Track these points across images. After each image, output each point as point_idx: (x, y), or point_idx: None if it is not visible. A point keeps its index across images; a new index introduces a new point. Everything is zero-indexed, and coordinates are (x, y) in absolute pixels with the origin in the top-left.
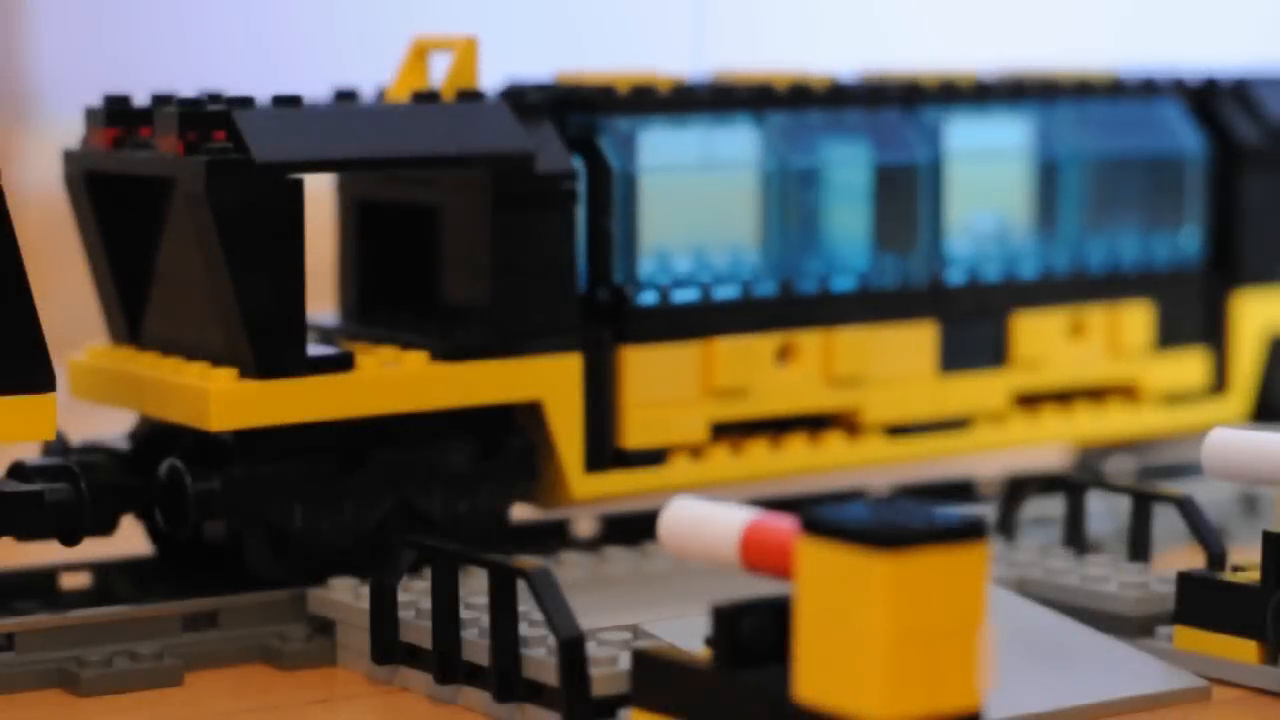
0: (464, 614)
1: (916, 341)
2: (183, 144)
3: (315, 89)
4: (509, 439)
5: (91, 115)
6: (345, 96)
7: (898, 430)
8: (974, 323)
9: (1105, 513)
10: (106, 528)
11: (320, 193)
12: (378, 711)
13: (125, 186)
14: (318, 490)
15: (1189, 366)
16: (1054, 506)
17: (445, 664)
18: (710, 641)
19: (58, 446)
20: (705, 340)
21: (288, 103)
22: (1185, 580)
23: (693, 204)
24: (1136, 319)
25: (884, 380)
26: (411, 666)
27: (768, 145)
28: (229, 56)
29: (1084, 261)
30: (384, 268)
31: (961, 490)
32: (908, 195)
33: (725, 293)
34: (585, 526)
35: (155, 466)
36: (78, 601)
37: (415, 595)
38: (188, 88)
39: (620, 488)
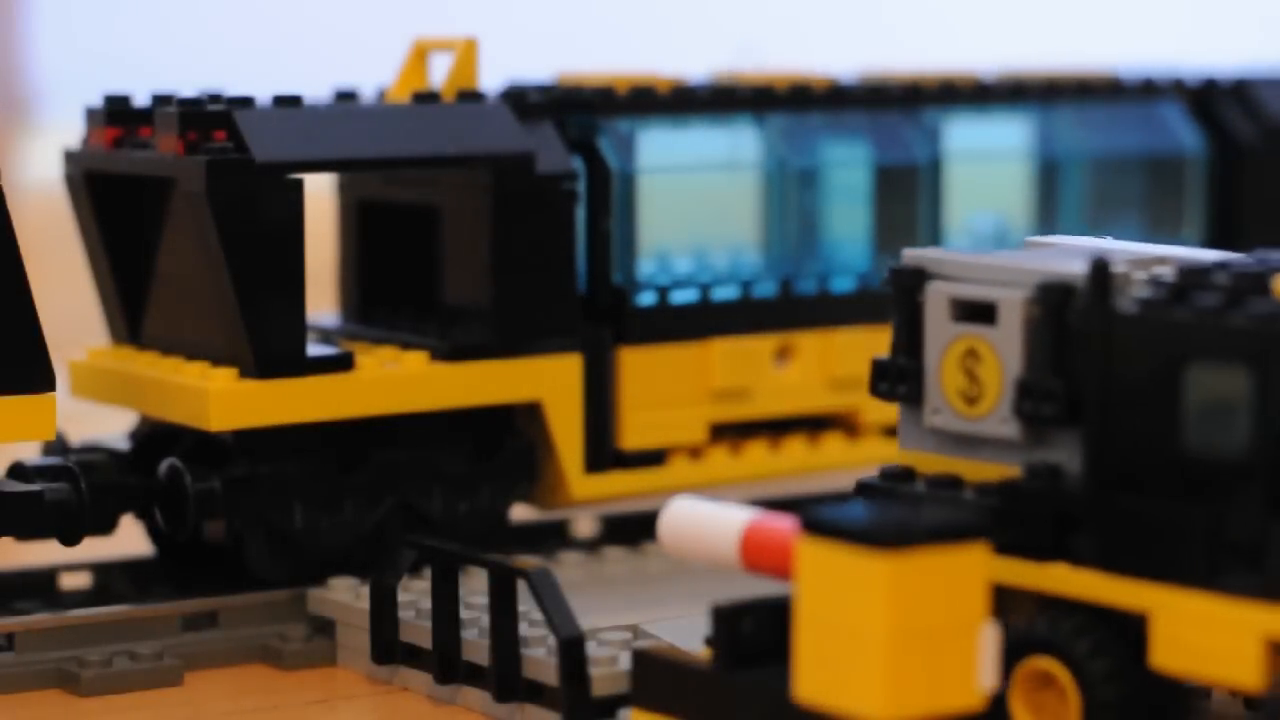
0: (464, 614)
1: None
2: (183, 144)
3: (315, 89)
4: (508, 439)
5: (91, 115)
6: (345, 96)
7: (897, 431)
8: None
9: None
10: (106, 528)
11: (320, 193)
12: (378, 711)
13: (125, 186)
14: (318, 490)
15: None
16: None
17: (445, 664)
18: (710, 641)
19: (58, 446)
20: (704, 341)
21: (288, 103)
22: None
23: (692, 204)
24: None
25: None
26: (411, 666)
27: (768, 146)
28: (229, 56)
29: None
30: (384, 268)
31: None
32: (908, 195)
33: (724, 293)
34: (585, 527)
35: (155, 466)
36: (78, 601)
37: (415, 595)
38: (188, 88)
39: (620, 488)
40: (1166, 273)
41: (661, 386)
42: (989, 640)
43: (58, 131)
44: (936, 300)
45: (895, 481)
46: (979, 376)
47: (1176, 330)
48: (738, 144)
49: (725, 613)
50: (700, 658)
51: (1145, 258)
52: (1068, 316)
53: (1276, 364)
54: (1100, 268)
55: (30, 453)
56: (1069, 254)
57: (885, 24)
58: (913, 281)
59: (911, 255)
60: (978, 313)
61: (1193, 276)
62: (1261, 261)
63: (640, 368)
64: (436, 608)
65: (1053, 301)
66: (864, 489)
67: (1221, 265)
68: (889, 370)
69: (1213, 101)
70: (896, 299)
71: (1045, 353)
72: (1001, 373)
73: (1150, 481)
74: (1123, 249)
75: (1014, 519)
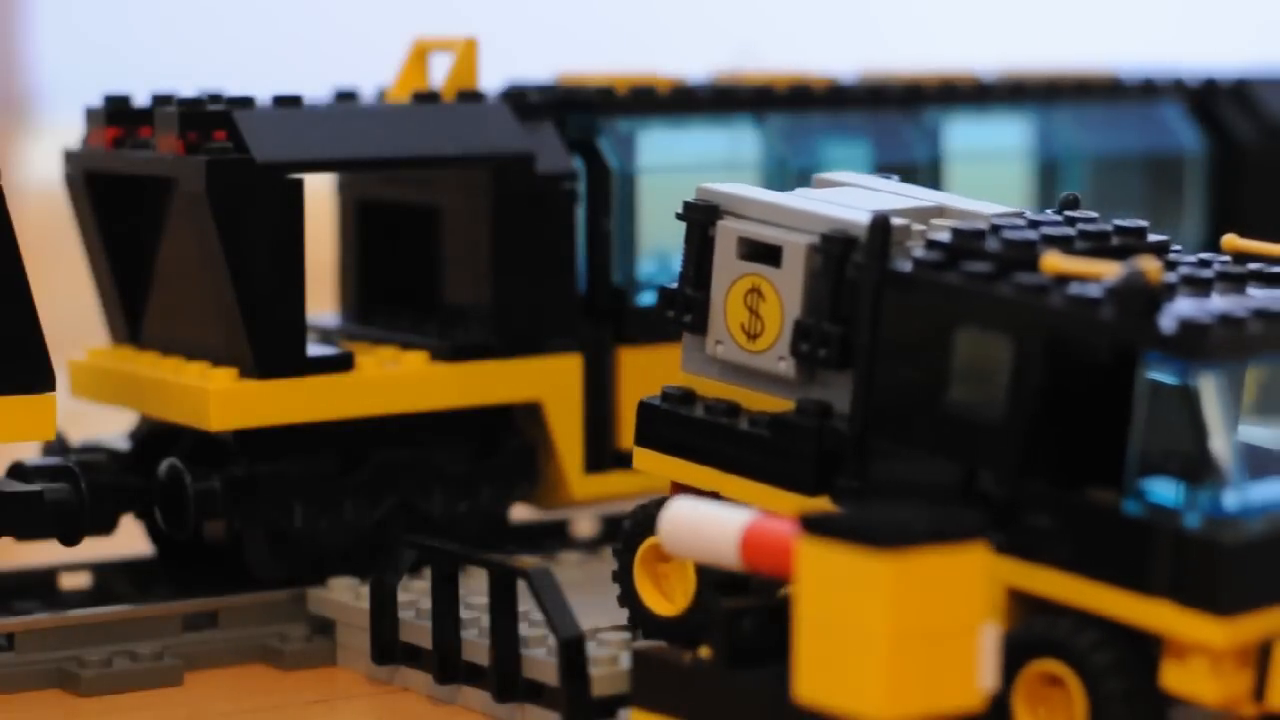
0: (464, 614)
1: None
2: (183, 144)
3: (315, 89)
4: (508, 439)
5: (91, 115)
6: (345, 96)
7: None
8: None
9: None
10: (106, 528)
11: (320, 193)
12: (378, 711)
13: (125, 186)
14: (318, 490)
15: None
16: None
17: (445, 664)
18: (710, 641)
19: (58, 446)
20: None
21: (288, 103)
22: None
23: None
24: None
25: None
26: (411, 666)
27: (768, 146)
28: (229, 56)
29: None
30: (384, 268)
31: None
32: None
33: None
34: (585, 526)
35: (155, 466)
36: (78, 601)
37: (415, 595)
38: (188, 88)
39: (620, 488)
40: (944, 233)
41: (661, 386)
42: (989, 640)
43: (58, 131)
44: (726, 237)
45: (676, 403)
46: (761, 314)
47: (945, 294)
48: (738, 144)
49: (725, 613)
50: (700, 658)
51: (927, 209)
52: (846, 268)
53: (1034, 335)
54: (879, 225)
55: (30, 453)
56: (857, 199)
57: (885, 24)
58: (705, 216)
59: (705, 190)
60: (764, 253)
61: (967, 240)
62: (1034, 226)
63: (640, 368)
64: (436, 608)
65: (833, 252)
66: (644, 408)
67: (996, 230)
68: (676, 299)
69: (1213, 101)
70: (688, 232)
71: (824, 299)
72: (782, 312)
73: (913, 432)
74: (909, 195)
75: (781, 452)
